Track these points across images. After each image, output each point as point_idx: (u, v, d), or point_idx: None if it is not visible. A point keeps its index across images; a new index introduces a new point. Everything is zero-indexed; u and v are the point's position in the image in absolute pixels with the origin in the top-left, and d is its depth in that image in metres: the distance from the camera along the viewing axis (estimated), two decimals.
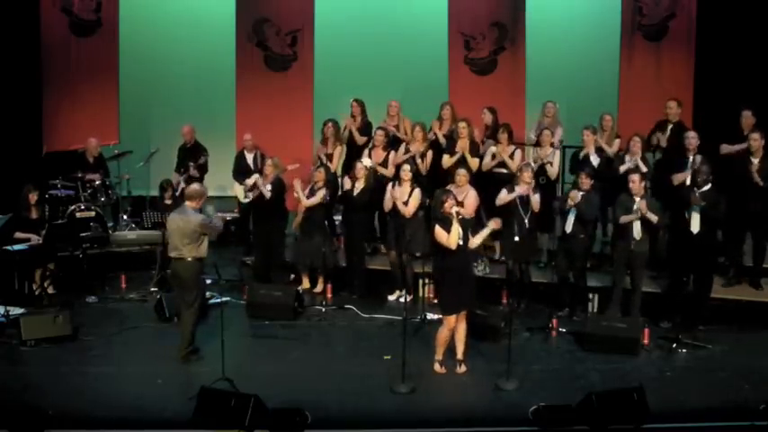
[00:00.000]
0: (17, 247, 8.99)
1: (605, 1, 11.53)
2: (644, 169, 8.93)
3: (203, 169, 10.72)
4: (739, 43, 10.60)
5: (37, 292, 9.24)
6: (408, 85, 11.87)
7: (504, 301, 8.99)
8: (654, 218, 8.20)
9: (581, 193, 8.48)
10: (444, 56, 11.37)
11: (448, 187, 8.64)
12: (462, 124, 9.57)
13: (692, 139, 8.99)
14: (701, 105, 10.54)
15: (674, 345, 7.99)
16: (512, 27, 11.23)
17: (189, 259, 7.55)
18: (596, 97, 11.13)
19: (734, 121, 9.34)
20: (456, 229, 7.11)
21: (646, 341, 8.07)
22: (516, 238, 8.26)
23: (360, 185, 9.28)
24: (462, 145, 9.47)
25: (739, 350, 7.97)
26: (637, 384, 6.63)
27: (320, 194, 9.26)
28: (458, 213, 7.14)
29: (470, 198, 8.66)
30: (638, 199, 8.27)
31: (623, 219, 8.33)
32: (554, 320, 8.51)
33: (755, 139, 8.73)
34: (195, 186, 7.78)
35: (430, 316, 8.57)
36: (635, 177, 8.33)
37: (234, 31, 11.57)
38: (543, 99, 10.32)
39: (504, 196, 8.71)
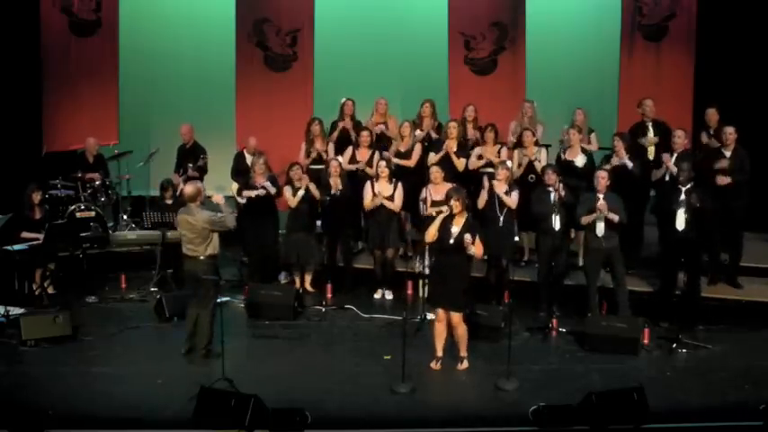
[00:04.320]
0: (17, 247, 8.99)
1: (605, 1, 11.52)
2: (629, 164, 8.94)
3: (202, 170, 10.71)
4: (739, 43, 10.60)
5: (37, 292, 9.24)
6: (408, 85, 11.86)
7: (505, 300, 8.97)
8: (615, 217, 8.17)
9: (601, 196, 8.39)
10: (444, 56, 11.37)
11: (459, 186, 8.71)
12: (452, 124, 9.62)
13: (677, 138, 9.00)
14: (701, 105, 10.52)
15: (674, 345, 7.98)
16: (512, 27, 11.23)
17: (202, 257, 7.59)
18: (596, 97, 11.13)
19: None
20: (435, 225, 7.30)
21: (646, 341, 8.06)
22: (517, 238, 8.39)
23: (338, 184, 9.31)
24: (450, 145, 9.50)
25: (739, 350, 7.97)
26: (637, 384, 6.63)
27: (300, 193, 9.29)
28: (438, 212, 7.28)
29: None
30: (600, 196, 8.25)
31: (584, 219, 8.32)
32: (554, 320, 8.51)
33: (731, 133, 8.77)
34: (188, 188, 7.72)
35: (430, 316, 8.55)
36: (602, 174, 8.32)
37: (234, 31, 11.57)
38: (543, 99, 10.34)
39: (481, 200, 8.75)
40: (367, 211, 9.29)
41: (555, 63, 11.76)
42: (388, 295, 9.43)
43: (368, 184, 9.26)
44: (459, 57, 11.36)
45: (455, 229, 7.29)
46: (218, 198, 7.89)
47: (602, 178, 8.32)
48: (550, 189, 8.52)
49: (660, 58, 11.10)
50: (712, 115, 9.41)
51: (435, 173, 8.94)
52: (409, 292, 9.47)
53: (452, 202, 7.27)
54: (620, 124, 10.53)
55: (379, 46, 12.14)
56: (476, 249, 7.20)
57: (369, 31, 12.17)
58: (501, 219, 8.68)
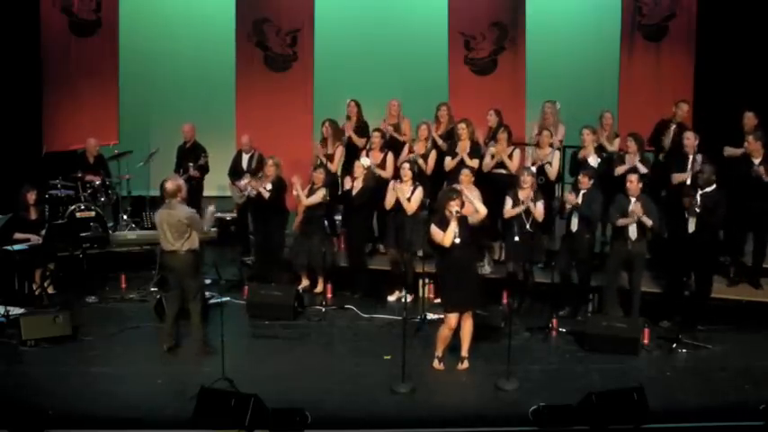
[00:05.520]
0: (17, 247, 9.00)
1: (605, 1, 11.53)
2: (643, 170, 8.93)
3: (204, 170, 10.72)
4: (739, 43, 10.60)
5: (37, 292, 9.24)
6: (408, 85, 11.87)
7: (505, 300, 8.97)
8: (648, 222, 8.16)
9: (582, 191, 8.48)
10: (444, 56, 11.36)
11: (453, 186, 8.67)
12: (462, 125, 9.55)
13: (688, 139, 8.99)
14: (701, 105, 10.53)
15: (674, 345, 7.98)
16: (512, 27, 11.22)
17: (182, 252, 7.64)
18: (596, 97, 11.12)
19: (734, 121, 9.34)
20: (452, 228, 7.20)
21: (646, 341, 8.06)
22: (516, 239, 8.46)
23: (359, 185, 9.28)
24: (463, 146, 9.47)
25: (739, 350, 7.97)
26: (637, 384, 6.63)
27: (320, 193, 9.27)
28: (457, 212, 7.20)
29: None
30: (633, 200, 8.25)
31: (620, 221, 8.30)
32: (554, 320, 8.51)
33: (750, 143, 8.75)
34: (169, 184, 7.76)
35: (430, 316, 8.57)
36: (633, 177, 8.29)
37: (234, 31, 11.56)
38: (543, 99, 10.31)
39: (509, 209, 8.68)
40: (388, 209, 9.17)
41: (555, 63, 11.77)
42: (403, 298, 9.32)
43: (391, 183, 9.18)
44: (459, 57, 11.35)
45: (458, 229, 7.28)
46: (210, 209, 7.99)
47: (631, 182, 8.25)
48: (581, 191, 8.51)
49: (660, 58, 11.09)
50: (750, 119, 9.22)
51: (465, 175, 8.72)
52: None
53: (455, 202, 7.22)
54: (621, 124, 10.52)
55: (380, 46, 12.15)
56: (480, 211, 7.37)
57: (369, 31, 12.18)
58: (528, 224, 8.62)
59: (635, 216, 8.16)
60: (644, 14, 11.08)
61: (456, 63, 11.34)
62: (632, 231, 8.26)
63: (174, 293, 7.88)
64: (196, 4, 12.60)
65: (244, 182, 9.70)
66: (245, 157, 10.46)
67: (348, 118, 10.31)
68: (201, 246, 10.03)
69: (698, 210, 8.11)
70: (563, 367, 7.68)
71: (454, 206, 7.21)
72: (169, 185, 7.74)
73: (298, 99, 11.45)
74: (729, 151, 9.22)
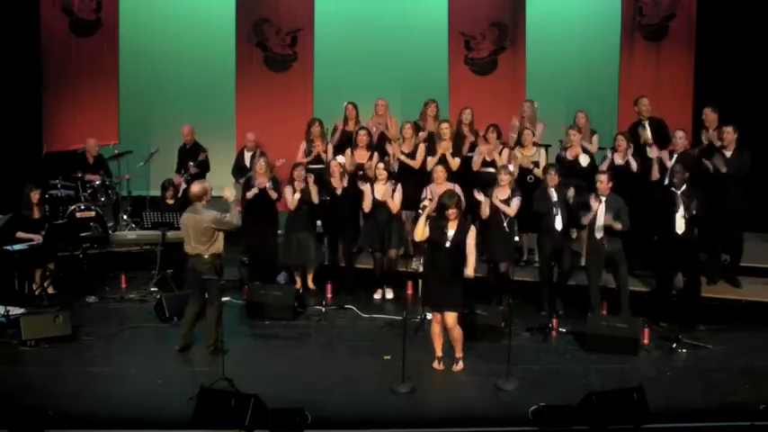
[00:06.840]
0: (17, 247, 8.99)
1: (605, 1, 11.54)
2: (633, 166, 8.93)
3: (204, 166, 10.73)
4: (739, 43, 10.61)
5: (37, 292, 9.24)
6: (408, 85, 11.87)
7: (504, 301, 8.97)
8: (618, 226, 8.18)
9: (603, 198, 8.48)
10: (444, 56, 11.38)
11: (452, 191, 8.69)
12: (445, 125, 9.61)
13: (678, 138, 9.00)
14: (701, 105, 10.51)
15: (674, 345, 7.98)
16: (512, 27, 11.24)
17: (206, 256, 7.64)
18: (596, 97, 11.14)
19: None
20: (421, 223, 7.28)
21: (646, 341, 8.05)
22: (517, 238, 8.61)
23: (339, 184, 9.31)
24: (445, 146, 9.51)
25: (739, 350, 7.96)
26: (637, 384, 6.63)
27: (296, 196, 9.28)
28: (423, 208, 7.32)
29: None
30: (602, 199, 8.26)
31: (584, 220, 8.36)
32: (554, 320, 8.51)
33: (729, 132, 8.74)
34: (195, 187, 7.78)
35: (429, 316, 8.55)
36: (602, 178, 8.31)
37: (234, 31, 11.58)
38: (543, 99, 10.33)
39: (484, 205, 8.72)
40: (367, 212, 9.28)
41: (555, 63, 11.76)
42: (389, 294, 9.43)
43: (367, 186, 9.24)
44: (459, 57, 11.37)
45: (450, 233, 7.27)
46: (227, 193, 7.91)
47: (600, 182, 8.30)
48: (552, 189, 8.53)
49: (660, 58, 11.11)
50: (709, 114, 9.31)
51: (439, 172, 8.91)
52: (409, 292, 9.46)
53: (449, 211, 7.22)
54: (621, 124, 10.54)
55: (380, 46, 12.15)
56: (469, 270, 7.26)
57: (369, 31, 12.18)
58: (504, 224, 8.65)
59: (596, 211, 8.20)
60: (644, 14, 11.10)
61: (456, 63, 11.36)
62: (598, 230, 8.26)
63: (195, 297, 7.84)
64: (196, 4, 12.60)
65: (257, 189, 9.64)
66: (248, 156, 10.47)
67: (345, 120, 10.31)
68: None
69: (694, 211, 8.12)
70: (563, 367, 7.68)
71: (424, 203, 7.29)
72: (195, 188, 7.74)
73: (298, 99, 11.47)
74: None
